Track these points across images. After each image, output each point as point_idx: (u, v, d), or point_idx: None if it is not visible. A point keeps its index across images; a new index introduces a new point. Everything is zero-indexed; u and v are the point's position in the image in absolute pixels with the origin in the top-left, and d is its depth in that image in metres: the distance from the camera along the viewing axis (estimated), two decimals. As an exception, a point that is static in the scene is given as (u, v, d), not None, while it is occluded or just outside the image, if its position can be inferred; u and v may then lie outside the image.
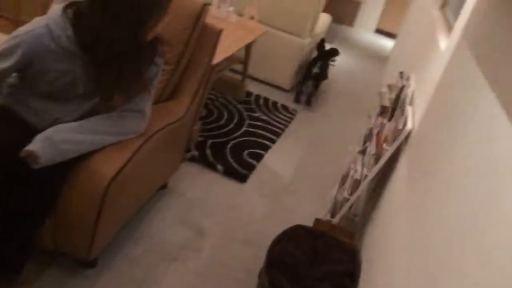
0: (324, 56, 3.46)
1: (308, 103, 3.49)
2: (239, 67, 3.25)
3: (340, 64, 4.91)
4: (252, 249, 1.95)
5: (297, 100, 3.50)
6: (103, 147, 1.40)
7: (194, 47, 1.83)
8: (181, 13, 1.75)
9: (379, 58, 5.57)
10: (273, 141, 2.84)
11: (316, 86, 3.49)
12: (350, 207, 1.78)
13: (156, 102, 1.77)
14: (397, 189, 1.51)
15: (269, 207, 2.25)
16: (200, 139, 2.60)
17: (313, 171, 2.67)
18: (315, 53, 3.54)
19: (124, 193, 1.47)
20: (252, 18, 3.02)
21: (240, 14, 3.12)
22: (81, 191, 1.35)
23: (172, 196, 2.11)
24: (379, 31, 6.78)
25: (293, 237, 1.64)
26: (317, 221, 1.81)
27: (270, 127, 3.00)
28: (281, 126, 3.06)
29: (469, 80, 1.12)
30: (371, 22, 6.74)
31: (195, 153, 2.45)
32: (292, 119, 3.22)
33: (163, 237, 1.86)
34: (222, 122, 2.87)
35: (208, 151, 2.50)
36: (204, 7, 1.76)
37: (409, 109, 1.64)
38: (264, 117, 3.11)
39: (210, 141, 2.60)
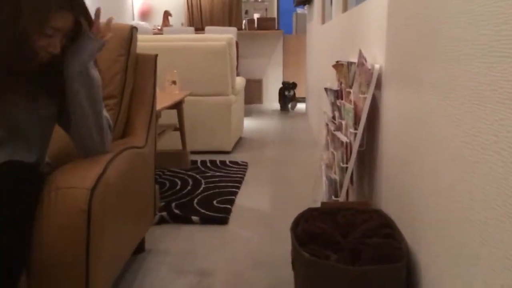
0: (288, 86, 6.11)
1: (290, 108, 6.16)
2: (177, 139, 3.12)
3: (267, 126, 4.99)
4: (267, 270, 1.68)
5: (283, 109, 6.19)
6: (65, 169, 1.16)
7: (133, 76, 1.71)
8: (110, 42, 1.64)
9: (298, 116, 5.80)
10: (238, 188, 2.66)
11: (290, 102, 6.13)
12: (351, 176, 1.64)
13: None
14: (390, 131, 1.42)
15: (264, 234, 2.02)
16: (162, 203, 2.35)
17: (290, 195, 2.50)
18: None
19: (110, 213, 1.20)
20: (174, 83, 2.98)
21: (162, 89, 3.08)
22: (59, 217, 1.07)
23: (156, 256, 1.81)
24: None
25: (309, 219, 1.44)
26: (324, 204, 1.63)
27: (228, 178, 2.82)
28: (239, 175, 2.90)
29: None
30: (277, 94, 7.09)
31: (163, 213, 2.18)
32: (246, 168, 3.09)
33: (163, 290, 1.54)
34: (178, 187, 2.65)
35: (176, 210, 2.25)
36: (133, 29, 1.69)
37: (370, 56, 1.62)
38: (219, 173, 2.94)
39: (173, 204, 2.35)
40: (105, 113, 1.31)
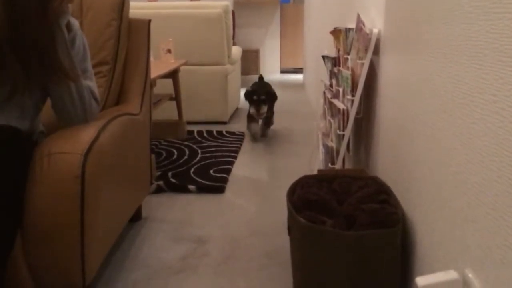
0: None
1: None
2: (173, 109, 3.09)
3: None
4: (263, 238, 1.69)
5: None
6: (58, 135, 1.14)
7: (126, 42, 1.68)
8: (101, 7, 1.60)
9: (295, 87, 5.75)
10: (235, 157, 2.65)
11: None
12: (348, 143, 1.63)
13: (102, 108, 1.55)
14: (389, 97, 1.40)
15: (260, 203, 2.02)
16: (158, 173, 2.34)
17: (287, 165, 2.50)
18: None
19: (104, 179, 1.19)
20: (169, 51, 2.93)
21: (157, 57, 3.04)
22: (52, 183, 1.06)
23: (153, 223, 1.81)
24: (284, 71, 7.06)
25: (305, 186, 1.44)
26: (320, 171, 1.62)
27: (225, 148, 2.82)
28: (236, 145, 2.89)
29: None
30: (274, 65, 7.03)
31: (160, 182, 2.18)
32: (243, 139, 3.08)
33: (160, 257, 1.55)
34: (174, 157, 2.64)
35: (173, 180, 2.25)
36: (125, -6, 1.64)
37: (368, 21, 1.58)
38: (215, 143, 2.93)
39: (170, 173, 2.35)
40: (92, 86, 1.27)
